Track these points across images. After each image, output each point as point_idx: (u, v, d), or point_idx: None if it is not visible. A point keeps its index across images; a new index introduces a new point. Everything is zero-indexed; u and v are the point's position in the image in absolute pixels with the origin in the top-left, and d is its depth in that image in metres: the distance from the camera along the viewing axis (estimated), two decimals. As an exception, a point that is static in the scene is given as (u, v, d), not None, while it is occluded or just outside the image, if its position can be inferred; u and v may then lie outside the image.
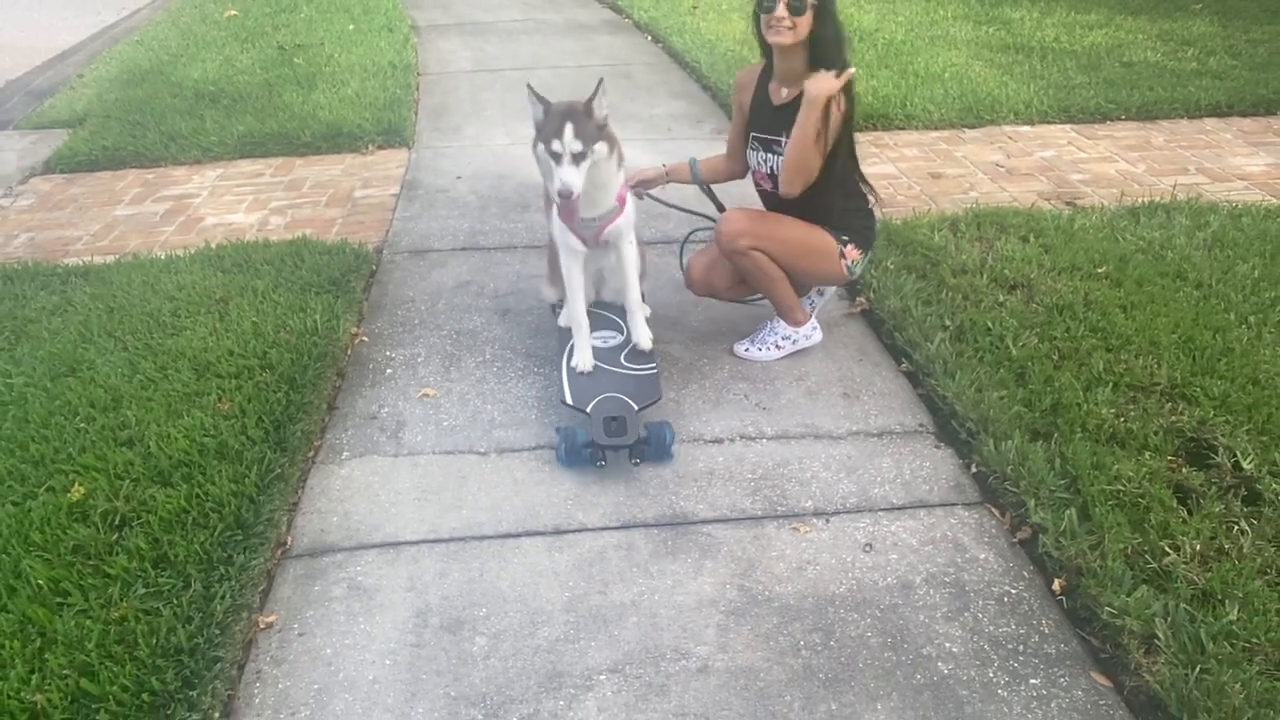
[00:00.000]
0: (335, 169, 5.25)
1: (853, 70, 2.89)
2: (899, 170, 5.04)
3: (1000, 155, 5.22)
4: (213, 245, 4.15)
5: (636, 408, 2.90)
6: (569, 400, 2.94)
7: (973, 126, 5.66)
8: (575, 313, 3.13)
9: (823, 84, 2.85)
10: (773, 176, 3.14)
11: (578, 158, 2.72)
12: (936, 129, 5.64)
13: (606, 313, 3.38)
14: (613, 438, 2.75)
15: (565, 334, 3.22)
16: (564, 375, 3.04)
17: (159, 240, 4.42)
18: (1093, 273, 3.65)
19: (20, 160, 5.59)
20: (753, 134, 3.18)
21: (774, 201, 3.21)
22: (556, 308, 3.46)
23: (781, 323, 3.33)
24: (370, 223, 4.53)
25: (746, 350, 3.36)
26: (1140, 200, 4.42)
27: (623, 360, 3.15)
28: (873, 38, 7.25)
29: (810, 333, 3.37)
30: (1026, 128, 5.64)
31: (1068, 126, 5.63)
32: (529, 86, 2.82)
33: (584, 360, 3.08)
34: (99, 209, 4.84)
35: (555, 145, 2.71)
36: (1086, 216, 4.22)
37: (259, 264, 3.88)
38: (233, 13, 8.74)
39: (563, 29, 8.50)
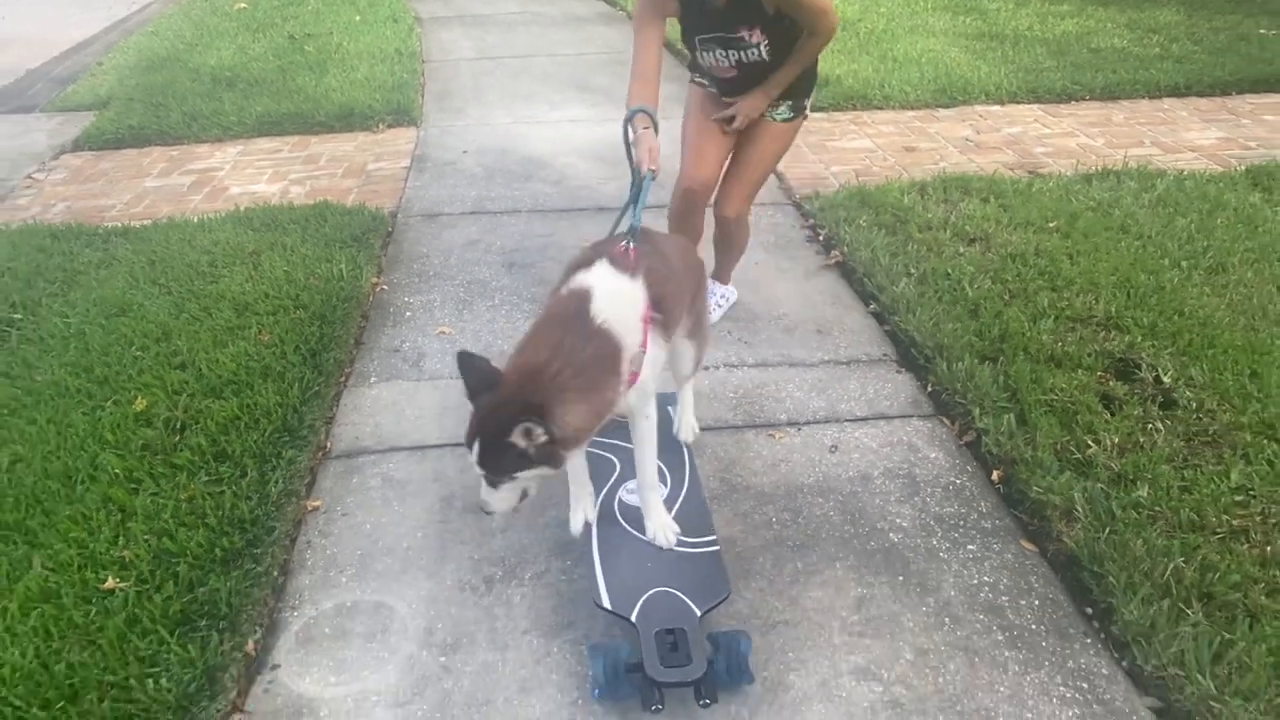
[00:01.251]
0: (349, 145, 5.61)
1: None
2: (875, 145, 5.41)
3: (970, 131, 5.59)
4: (241, 209, 4.51)
5: (699, 612, 2.12)
6: (605, 603, 2.15)
7: (946, 106, 6.03)
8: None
9: (754, 111, 3.01)
10: (739, 65, 3.00)
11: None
12: (912, 109, 6.01)
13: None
14: (672, 668, 1.98)
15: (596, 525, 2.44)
16: (596, 564, 2.26)
17: (189, 207, 4.76)
18: (1044, 227, 4.02)
19: (50, 139, 5.94)
20: (696, 37, 3.01)
21: (735, 83, 3.09)
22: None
23: (716, 284, 3.59)
24: (384, 191, 4.89)
25: None
26: (1095, 168, 4.80)
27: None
28: (855, 27, 7.63)
29: (733, 291, 3.66)
30: (996, 107, 6.02)
31: (1035, 106, 6.02)
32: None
33: (576, 519, 2.39)
34: (129, 181, 5.19)
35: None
36: (1044, 182, 4.60)
37: (285, 223, 4.24)
38: (242, 6, 9.09)
39: (559, 20, 8.86)
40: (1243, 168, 4.78)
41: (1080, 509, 2.49)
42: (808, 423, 3.00)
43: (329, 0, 9.10)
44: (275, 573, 2.37)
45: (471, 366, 1.99)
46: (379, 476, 2.75)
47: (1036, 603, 2.31)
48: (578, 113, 6.08)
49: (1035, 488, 2.58)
